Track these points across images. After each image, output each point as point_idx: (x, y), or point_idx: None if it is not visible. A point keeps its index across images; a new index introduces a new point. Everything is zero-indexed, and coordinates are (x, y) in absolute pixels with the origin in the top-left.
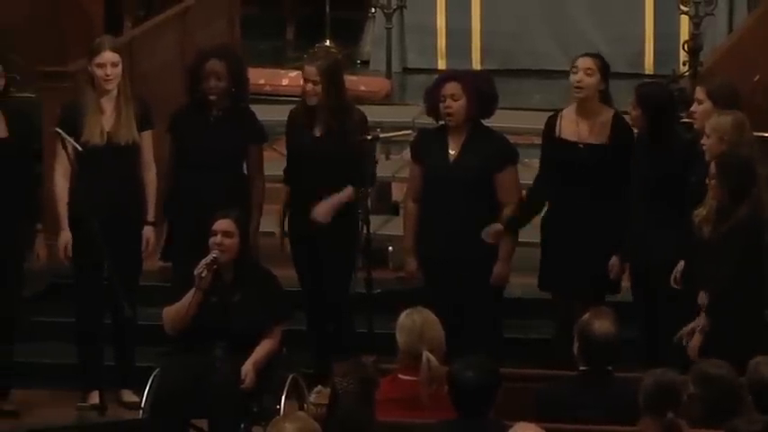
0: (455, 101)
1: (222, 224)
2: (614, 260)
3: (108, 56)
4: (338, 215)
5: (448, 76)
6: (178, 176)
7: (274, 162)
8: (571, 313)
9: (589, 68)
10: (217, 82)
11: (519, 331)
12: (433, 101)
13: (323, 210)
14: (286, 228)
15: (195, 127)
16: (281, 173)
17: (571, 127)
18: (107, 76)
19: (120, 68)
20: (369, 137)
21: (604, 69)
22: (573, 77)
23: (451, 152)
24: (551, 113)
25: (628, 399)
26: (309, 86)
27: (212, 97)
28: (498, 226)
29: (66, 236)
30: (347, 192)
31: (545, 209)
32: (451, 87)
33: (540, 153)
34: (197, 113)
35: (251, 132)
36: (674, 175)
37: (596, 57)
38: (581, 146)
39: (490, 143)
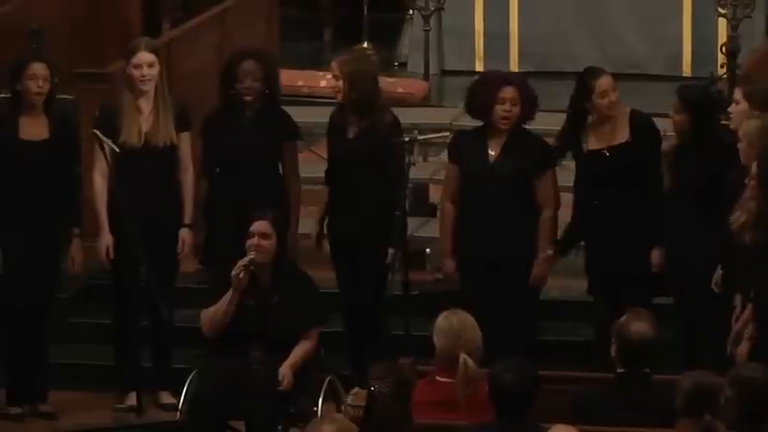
0: (514, 106)
1: (259, 225)
2: (656, 253)
3: (144, 56)
4: (378, 217)
5: (504, 78)
6: (214, 178)
7: (312, 164)
8: (611, 316)
9: (614, 85)
10: (252, 82)
11: (556, 333)
12: (486, 101)
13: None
14: (325, 229)
15: (229, 128)
16: (319, 175)
17: (594, 135)
18: (143, 76)
19: (156, 69)
20: (406, 139)
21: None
22: (603, 100)
23: (491, 153)
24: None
25: (665, 401)
26: (333, 82)
27: (248, 98)
28: (548, 254)
29: (107, 238)
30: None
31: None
32: (512, 92)
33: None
34: (230, 115)
35: (285, 131)
36: (716, 176)
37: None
38: (606, 153)
39: (530, 145)
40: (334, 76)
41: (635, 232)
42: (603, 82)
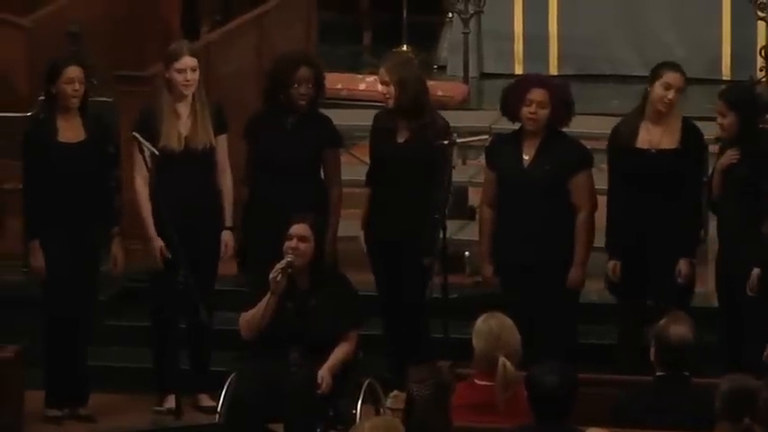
0: (541, 108)
1: (298, 229)
2: (682, 263)
3: (188, 61)
4: (420, 220)
5: (535, 81)
6: (255, 182)
7: (352, 167)
8: (638, 319)
9: (681, 87)
10: (307, 89)
11: (594, 336)
12: (515, 103)
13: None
14: (366, 233)
15: (272, 133)
16: (359, 177)
17: (642, 135)
18: (187, 81)
19: (198, 73)
20: (446, 142)
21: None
22: (663, 92)
23: (526, 157)
24: (618, 123)
25: (704, 404)
26: (382, 88)
27: (302, 103)
28: (578, 273)
29: (158, 243)
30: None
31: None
32: (540, 94)
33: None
34: (273, 119)
35: (327, 137)
36: (764, 178)
37: (681, 70)
38: (653, 152)
39: (565, 148)
40: (383, 82)
41: (667, 239)
42: (672, 76)
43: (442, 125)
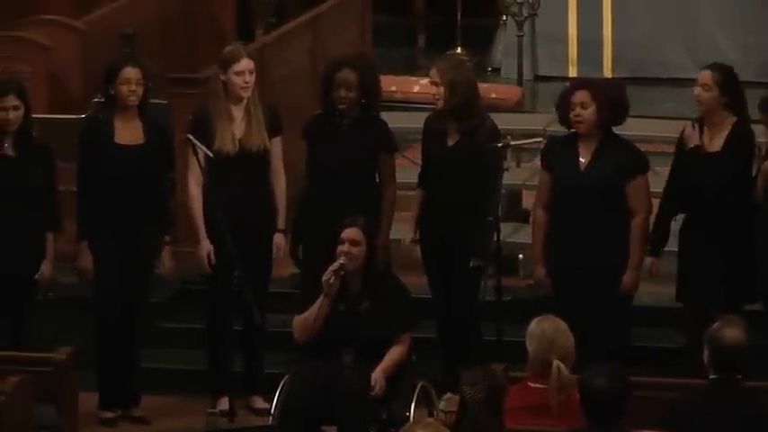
0: (584, 109)
1: (350, 232)
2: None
3: (246, 63)
4: (473, 222)
5: (578, 83)
6: (311, 183)
7: (406, 170)
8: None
9: (706, 84)
10: (347, 92)
11: (648, 340)
12: (564, 108)
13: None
14: (418, 235)
15: (327, 136)
16: (413, 180)
17: (704, 138)
18: (245, 83)
19: (254, 76)
20: (500, 145)
21: (725, 82)
22: (697, 91)
23: (582, 160)
24: (687, 122)
25: (757, 408)
26: (434, 89)
27: (341, 106)
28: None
29: (206, 244)
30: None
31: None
32: (581, 95)
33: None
34: (329, 122)
35: (382, 141)
36: None
37: (717, 69)
38: (705, 154)
39: (621, 151)
40: (434, 83)
41: (727, 240)
42: (702, 74)
43: (490, 127)
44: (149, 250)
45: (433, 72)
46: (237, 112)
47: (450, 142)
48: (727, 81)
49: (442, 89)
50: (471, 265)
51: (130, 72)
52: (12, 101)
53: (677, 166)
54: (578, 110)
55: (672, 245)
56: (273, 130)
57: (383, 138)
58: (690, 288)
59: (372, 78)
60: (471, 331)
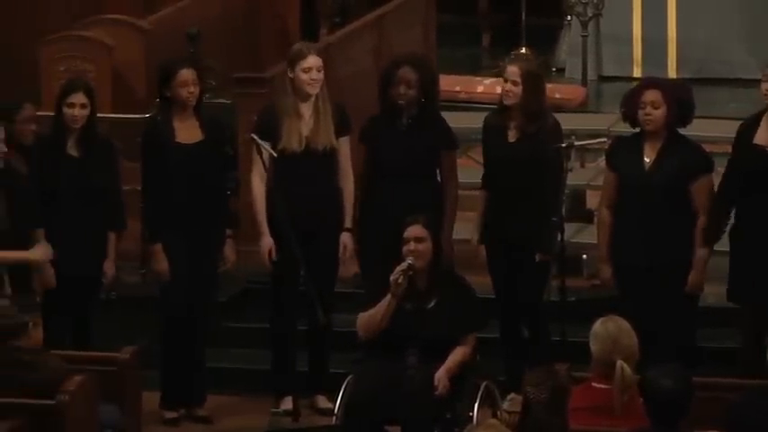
0: (655, 108)
1: (413, 230)
2: None
3: (314, 60)
4: (537, 222)
5: (649, 83)
6: (371, 183)
7: (469, 169)
8: (760, 323)
9: None
10: (407, 89)
11: (713, 340)
12: (631, 107)
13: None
14: (483, 236)
15: (387, 135)
16: (476, 180)
17: (762, 134)
18: (313, 80)
19: (322, 74)
20: (563, 144)
21: None
22: (762, 86)
23: (647, 159)
24: (745, 120)
25: None
26: (509, 86)
27: (401, 102)
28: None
29: (268, 240)
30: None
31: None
32: (652, 95)
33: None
34: (389, 121)
35: (443, 139)
36: None
37: None
38: (765, 149)
39: (686, 151)
40: (512, 81)
41: None
42: (766, 70)
43: (552, 125)
44: (215, 248)
45: (514, 69)
46: (306, 110)
47: (511, 139)
48: None
49: (519, 88)
50: (537, 260)
51: (187, 74)
52: (80, 98)
53: (735, 161)
54: (649, 109)
55: (728, 244)
56: (342, 130)
57: (443, 135)
58: (743, 289)
59: (432, 78)
60: (536, 331)
